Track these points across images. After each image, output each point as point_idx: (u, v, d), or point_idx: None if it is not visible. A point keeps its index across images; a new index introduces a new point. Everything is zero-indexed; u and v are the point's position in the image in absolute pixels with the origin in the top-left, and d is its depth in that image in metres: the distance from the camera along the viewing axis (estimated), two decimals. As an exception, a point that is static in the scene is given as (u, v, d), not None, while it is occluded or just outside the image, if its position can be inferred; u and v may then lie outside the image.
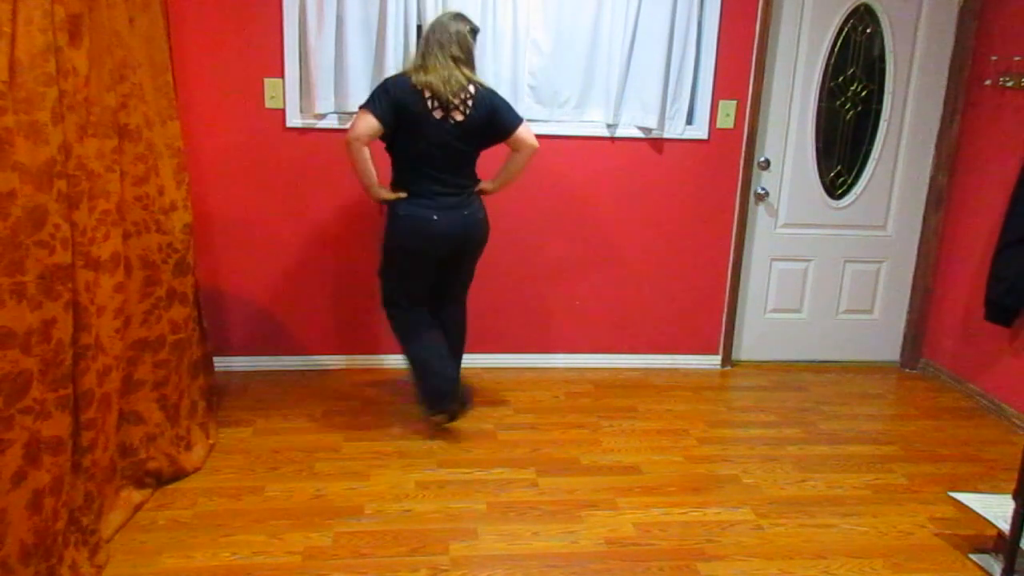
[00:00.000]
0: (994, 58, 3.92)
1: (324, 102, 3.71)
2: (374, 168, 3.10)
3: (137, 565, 2.50)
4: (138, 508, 2.77)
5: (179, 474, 2.98)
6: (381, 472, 3.12)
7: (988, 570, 2.65)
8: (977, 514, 2.66)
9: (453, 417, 3.45)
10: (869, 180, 4.26)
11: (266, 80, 3.70)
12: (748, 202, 4.16)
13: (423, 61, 3.06)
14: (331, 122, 3.78)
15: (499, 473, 3.15)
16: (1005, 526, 2.50)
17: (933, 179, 4.27)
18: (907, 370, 4.48)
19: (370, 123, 3.01)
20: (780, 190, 4.23)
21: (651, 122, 3.91)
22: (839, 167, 4.25)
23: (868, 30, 4.08)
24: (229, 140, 3.75)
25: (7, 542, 2.04)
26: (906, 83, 4.15)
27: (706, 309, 4.30)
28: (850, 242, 4.34)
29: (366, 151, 3.05)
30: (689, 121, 4.02)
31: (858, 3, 4.02)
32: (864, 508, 3.02)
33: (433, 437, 3.42)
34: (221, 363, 3.90)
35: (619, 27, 3.79)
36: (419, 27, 3.68)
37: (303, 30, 3.63)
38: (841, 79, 4.12)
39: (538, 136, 3.84)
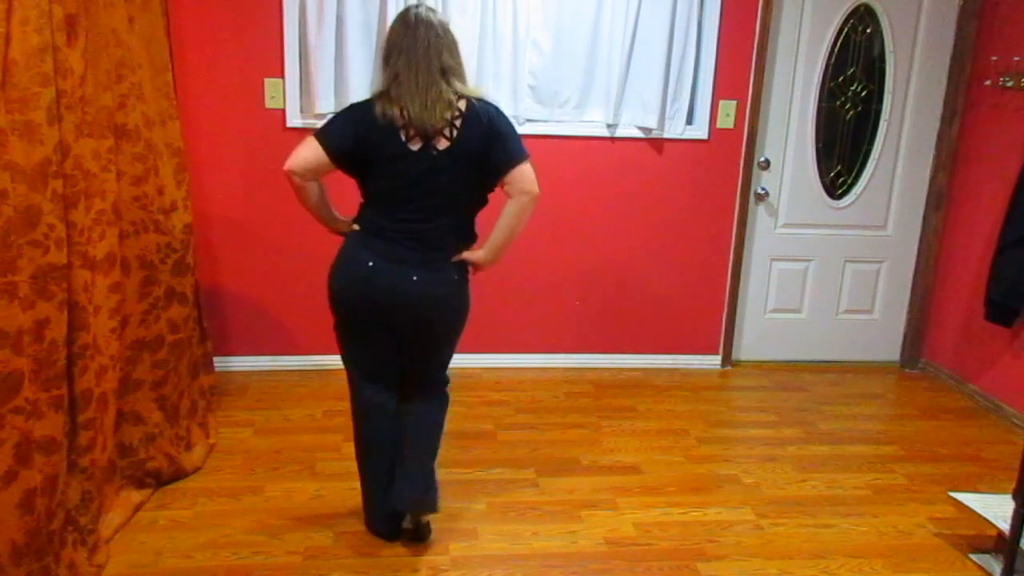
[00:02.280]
0: (994, 58, 3.91)
1: (324, 102, 3.70)
2: (323, 200, 2.49)
3: (137, 565, 2.50)
4: (138, 508, 2.77)
5: (179, 474, 2.98)
6: (380, 472, 3.11)
7: (988, 570, 2.65)
8: (977, 514, 2.66)
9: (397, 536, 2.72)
10: (869, 180, 4.26)
11: (266, 80, 3.70)
12: (748, 202, 4.15)
13: (395, 78, 2.28)
14: (331, 122, 3.77)
15: (499, 473, 3.15)
16: (1005, 526, 2.50)
17: (933, 179, 4.27)
18: (907, 370, 4.48)
19: (313, 154, 2.32)
20: (780, 190, 4.22)
21: (651, 122, 3.91)
22: (839, 167, 4.24)
23: (868, 30, 4.08)
24: (229, 140, 3.75)
25: None
26: (906, 83, 4.15)
27: (706, 309, 4.30)
28: (850, 242, 4.34)
29: (311, 188, 2.40)
30: (689, 121, 4.02)
31: (858, 3, 4.02)
32: (864, 508, 3.02)
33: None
34: (221, 363, 3.90)
35: (619, 27, 3.78)
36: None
37: (303, 30, 3.63)
38: (841, 79, 4.12)
39: (538, 136, 3.83)
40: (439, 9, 3.62)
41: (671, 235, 4.15)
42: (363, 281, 2.40)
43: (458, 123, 2.30)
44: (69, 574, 2.27)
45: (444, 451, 3.27)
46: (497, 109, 2.40)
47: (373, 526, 2.70)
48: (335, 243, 3.91)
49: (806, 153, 4.18)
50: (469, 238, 2.49)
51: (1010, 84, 3.81)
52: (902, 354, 4.52)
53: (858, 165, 4.25)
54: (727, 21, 3.89)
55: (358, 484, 2.99)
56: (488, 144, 2.34)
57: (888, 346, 4.52)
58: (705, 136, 4.01)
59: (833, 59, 4.08)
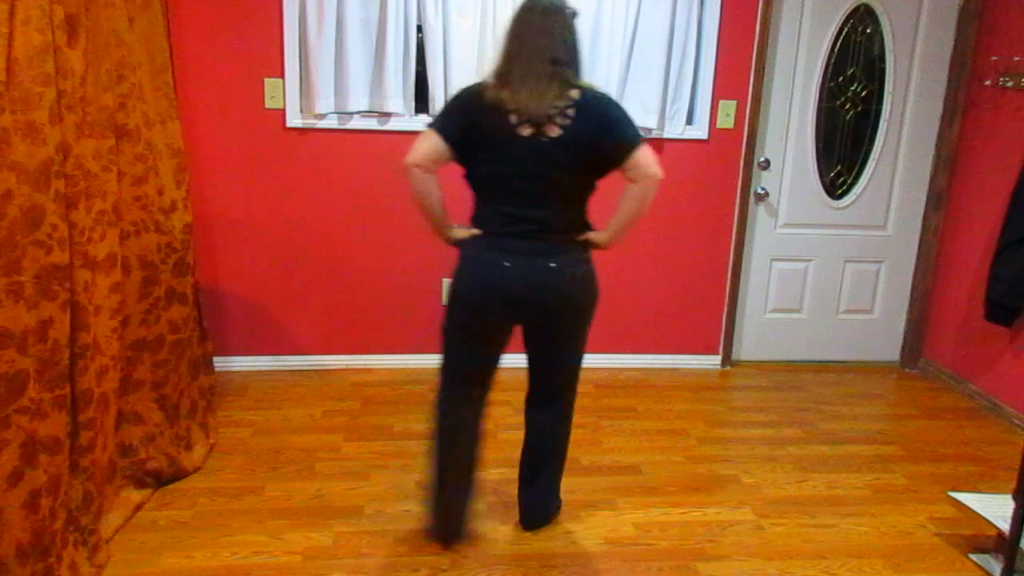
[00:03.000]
0: (994, 58, 3.91)
1: (324, 102, 3.70)
2: (441, 201, 2.45)
3: (137, 565, 2.50)
4: (138, 508, 2.77)
5: (179, 474, 2.98)
6: (381, 472, 3.11)
7: (988, 570, 2.65)
8: (977, 514, 2.66)
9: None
10: (869, 180, 4.26)
11: (266, 80, 3.70)
12: (748, 202, 4.15)
13: (508, 67, 2.29)
14: (331, 122, 3.78)
15: (499, 473, 3.15)
16: (1005, 526, 2.50)
17: (933, 179, 4.27)
18: (907, 370, 4.48)
19: (433, 145, 2.31)
20: (780, 190, 4.22)
21: (651, 122, 3.91)
22: (839, 167, 4.25)
23: (868, 30, 4.08)
24: (229, 140, 3.75)
25: (3, 542, 2.04)
26: (906, 83, 4.15)
27: (706, 309, 4.30)
28: (850, 242, 4.34)
29: (430, 180, 2.37)
30: (689, 121, 4.02)
31: (858, 3, 4.02)
32: (864, 508, 3.02)
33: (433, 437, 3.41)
34: (221, 363, 3.90)
35: (619, 27, 3.78)
36: (419, 27, 3.68)
37: (303, 30, 3.63)
38: (841, 79, 4.12)
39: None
40: (439, 9, 3.63)
41: (671, 235, 4.15)
42: (504, 283, 2.38)
43: (571, 112, 2.27)
44: (70, 574, 2.27)
45: (444, 451, 3.29)
46: (610, 98, 2.39)
47: (437, 531, 2.67)
48: (335, 243, 3.94)
49: (806, 153, 4.18)
50: (586, 224, 2.48)
51: (1010, 84, 3.81)
52: (902, 354, 4.52)
53: (858, 165, 4.25)
54: (727, 21, 3.89)
55: (358, 484, 3.01)
56: (603, 133, 2.30)
57: (888, 346, 4.53)
58: (705, 136, 4.01)
59: (833, 59, 4.08)
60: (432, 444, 2.62)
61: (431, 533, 2.68)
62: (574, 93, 2.29)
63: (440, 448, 2.60)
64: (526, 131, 2.27)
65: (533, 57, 2.26)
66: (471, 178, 2.44)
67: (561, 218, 2.39)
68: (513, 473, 3.14)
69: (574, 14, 2.34)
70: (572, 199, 2.41)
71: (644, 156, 2.31)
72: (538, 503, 2.77)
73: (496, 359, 2.59)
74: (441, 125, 2.33)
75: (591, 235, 2.48)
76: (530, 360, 2.63)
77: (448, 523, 2.66)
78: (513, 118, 2.26)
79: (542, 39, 2.27)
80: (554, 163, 2.30)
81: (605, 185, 2.44)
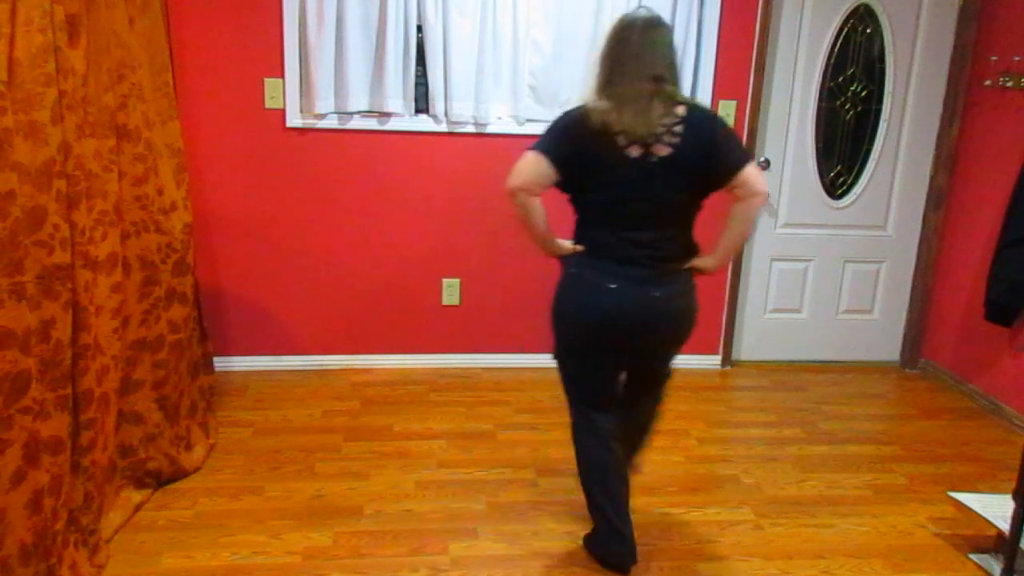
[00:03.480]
0: (994, 58, 3.92)
1: (324, 102, 3.70)
2: (545, 220, 2.39)
3: (137, 565, 2.50)
4: (138, 508, 2.77)
5: (179, 474, 2.98)
6: (381, 472, 3.12)
7: (988, 570, 2.65)
8: (977, 514, 2.66)
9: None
10: (869, 180, 4.26)
11: (266, 80, 3.70)
12: (748, 202, 4.15)
13: (610, 86, 2.25)
14: (331, 122, 3.78)
15: (499, 473, 3.15)
16: (1005, 526, 2.50)
17: (933, 179, 4.27)
18: (907, 370, 4.48)
19: (538, 168, 2.26)
20: (780, 190, 4.22)
21: (651, 122, 3.90)
22: (839, 167, 4.25)
23: (868, 30, 4.08)
24: (229, 140, 3.75)
25: (6, 542, 2.04)
26: (906, 83, 4.15)
27: (706, 309, 4.25)
28: (850, 242, 4.34)
29: (535, 202, 2.32)
30: (689, 121, 4.01)
31: (858, 3, 4.02)
32: (864, 508, 3.02)
33: (433, 437, 3.42)
34: (221, 363, 3.90)
35: (619, 27, 3.78)
36: (419, 27, 3.68)
37: (303, 30, 3.63)
38: (841, 79, 4.12)
39: (538, 136, 3.85)
40: (439, 9, 3.63)
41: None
42: (607, 306, 2.33)
43: (678, 129, 2.22)
44: (71, 574, 2.27)
45: (444, 451, 3.29)
46: (715, 113, 2.36)
47: (611, 552, 2.58)
48: (335, 242, 3.94)
49: (806, 153, 4.18)
50: (694, 247, 2.42)
51: (1010, 84, 3.81)
52: (902, 354, 4.52)
53: (858, 165, 4.25)
54: (727, 21, 3.89)
55: (358, 484, 3.01)
56: (712, 151, 2.25)
57: (888, 346, 4.53)
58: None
59: (833, 59, 4.08)
60: (585, 476, 2.57)
61: (611, 560, 2.59)
62: (680, 110, 2.24)
63: (585, 466, 2.56)
64: (635, 152, 2.22)
65: (634, 76, 2.22)
66: (577, 202, 2.40)
67: (669, 241, 2.34)
68: (514, 474, 3.15)
69: (671, 29, 2.33)
70: (679, 220, 2.36)
71: (753, 173, 2.26)
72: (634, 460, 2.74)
73: (612, 383, 2.54)
74: (546, 147, 2.27)
75: (698, 262, 2.43)
76: (634, 371, 2.58)
77: (625, 545, 2.56)
78: (621, 139, 2.21)
79: (644, 56, 2.23)
80: (664, 183, 2.25)
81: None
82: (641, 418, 2.67)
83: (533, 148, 2.28)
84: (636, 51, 2.23)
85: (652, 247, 2.31)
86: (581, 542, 2.70)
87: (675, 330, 2.44)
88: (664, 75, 2.24)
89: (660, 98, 2.22)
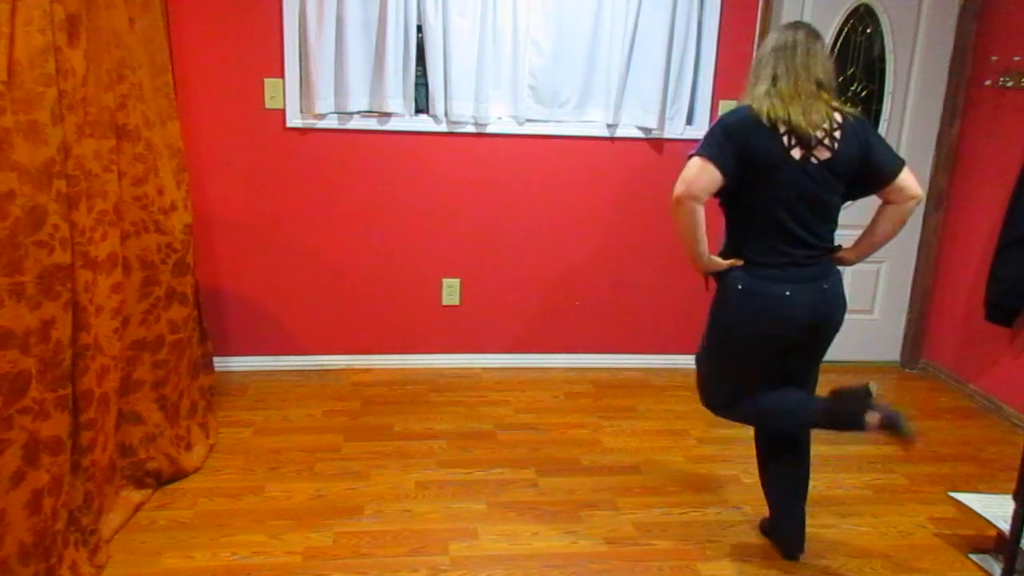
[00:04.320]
0: (994, 58, 3.91)
1: (324, 102, 3.70)
2: (705, 231, 2.38)
3: (137, 565, 2.50)
4: (138, 508, 2.77)
5: (179, 474, 2.98)
6: (381, 472, 3.12)
7: (988, 570, 2.65)
8: (977, 514, 2.66)
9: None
10: (869, 180, 4.26)
11: (266, 80, 3.70)
12: (748, 202, 4.15)
13: (774, 86, 2.31)
14: (331, 122, 3.78)
15: (499, 473, 3.15)
16: (1005, 526, 2.50)
17: (933, 179, 4.27)
18: (907, 370, 4.48)
19: (711, 176, 2.27)
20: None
21: (651, 122, 3.91)
22: (839, 167, 4.24)
23: (868, 30, 4.08)
24: (229, 140, 3.75)
25: (6, 542, 2.04)
26: (906, 83, 4.15)
27: (706, 309, 4.28)
28: (849, 242, 4.32)
29: (701, 212, 2.32)
30: (689, 121, 4.02)
31: (858, 3, 4.02)
32: (864, 508, 3.02)
33: (433, 437, 3.42)
34: (221, 363, 3.90)
35: (619, 27, 3.78)
36: (419, 27, 3.68)
37: (303, 30, 3.63)
38: (841, 79, 4.12)
39: (538, 136, 3.84)
40: (439, 9, 3.63)
41: (671, 235, 4.14)
42: (780, 313, 2.38)
43: (837, 134, 2.30)
44: (71, 574, 2.27)
45: (444, 451, 3.29)
46: (867, 121, 2.42)
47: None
48: (335, 242, 3.94)
49: (806, 153, 4.18)
50: (834, 239, 2.49)
51: (1010, 84, 3.81)
52: (902, 354, 4.52)
53: (858, 165, 4.24)
54: (727, 21, 3.89)
55: (358, 484, 3.02)
56: (867, 156, 2.35)
57: (888, 346, 4.52)
58: (705, 136, 4.01)
59: (833, 59, 4.07)
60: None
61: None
62: (838, 116, 2.32)
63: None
64: (798, 154, 2.28)
65: (799, 75, 2.29)
66: (733, 207, 2.43)
67: (823, 241, 2.42)
68: (514, 474, 3.15)
69: (824, 40, 2.40)
70: (832, 220, 2.44)
71: (910, 178, 2.37)
72: (799, 527, 2.69)
73: (771, 377, 2.56)
74: (717, 154, 2.28)
75: (843, 254, 2.51)
76: (782, 374, 2.56)
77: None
78: (786, 140, 2.27)
79: (808, 59, 2.31)
80: (825, 186, 2.33)
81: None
82: (803, 446, 2.66)
83: (698, 153, 2.29)
84: (802, 53, 2.31)
85: (812, 247, 2.38)
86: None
87: (841, 314, 2.50)
88: (824, 81, 2.32)
89: (821, 102, 2.29)
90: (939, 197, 4.25)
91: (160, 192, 2.89)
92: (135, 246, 2.77)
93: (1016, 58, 3.78)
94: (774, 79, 2.31)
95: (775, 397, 2.55)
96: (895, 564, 2.68)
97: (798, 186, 2.31)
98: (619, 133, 3.96)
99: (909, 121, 4.19)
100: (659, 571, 2.60)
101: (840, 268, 2.52)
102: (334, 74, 3.70)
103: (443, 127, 3.84)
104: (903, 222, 2.46)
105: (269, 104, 3.73)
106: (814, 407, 2.52)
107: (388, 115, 3.79)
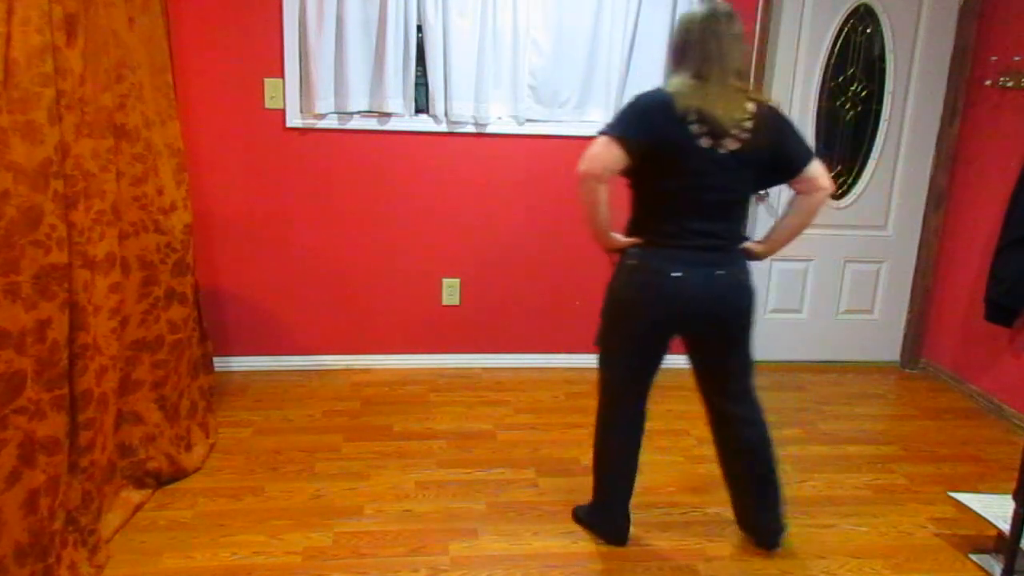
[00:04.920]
0: (994, 58, 3.91)
1: (324, 102, 3.70)
2: (608, 210, 2.37)
3: (137, 565, 2.50)
4: (138, 508, 2.77)
5: (179, 474, 2.98)
6: (381, 472, 3.11)
7: (988, 570, 2.65)
8: (977, 514, 2.66)
9: None
10: (869, 180, 4.26)
11: (266, 80, 3.70)
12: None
13: (696, 78, 2.26)
14: (331, 122, 3.78)
15: (499, 473, 3.15)
16: (1005, 526, 2.50)
17: (933, 179, 4.27)
18: (907, 370, 4.48)
19: (613, 154, 2.24)
20: (780, 190, 4.21)
21: (651, 122, 3.90)
22: (839, 167, 4.24)
23: (868, 30, 4.08)
24: (229, 140, 3.75)
25: (2, 542, 2.04)
26: (906, 83, 4.15)
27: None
28: (850, 242, 4.34)
29: (603, 191, 2.30)
30: (689, 121, 4.01)
31: (858, 3, 4.02)
32: (864, 508, 3.02)
33: (433, 437, 3.41)
34: (221, 363, 3.90)
35: (619, 27, 3.78)
36: (419, 27, 3.68)
37: (303, 30, 3.63)
38: (841, 79, 4.12)
39: (538, 136, 3.83)
40: (439, 9, 3.63)
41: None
42: (673, 294, 2.36)
43: (748, 124, 2.27)
44: (70, 575, 2.27)
45: (444, 451, 3.29)
46: (781, 111, 2.40)
47: (609, 529, 2.73)
48: (335, 242, 3.94)
49: (806, 153, 4.18)
50: (744, 231, 2.48)
51: (1010, 84, 3.81)
52: (902, 354, 4.52)
53: (858, 165, 4.25)
54: (727, 21, 3.89)
55: (358, 484, 3.01)
56: (779, 147, 2.34)
57: (888, 346, 4.52)
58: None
59: (833, 59, 4.08)
60: (601, 455, 2.69)
61: (606, 535, 2.73)
62: (751, 106, 2.29)
63: (610, 461, 2.68)
64: (706, 142, 2.25)
65: (726, 68, 2.26)
66: (639, 191, 2.40)
67: (728, 228, 2.40)
68: (514, 474, 3.15)
69: (739, 20, 2.33)
70: (740, 211, 2.42)
71: (818, 168, 2.36)
72: (774, 520, 2.68)
73: (652, 379, 2.58)
74: (622, 132, 2.25)
75: (750, 245, 2.49)
76: (701, 370, 2.60)
77: (620, 524, 2.71)
78: (696, 127, 2.24)
79: (733, 50, 2.27)
80: (731, 176, 2.30)
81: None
82: (746, 431, 2.61)
83: (604, 132, 2.27)
84: (726, 42, 2.26)
85: (714, 236, 2.35)
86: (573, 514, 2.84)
87: (741, 302, 2.45)
88: (742, 70, 2.32)
89: (740, 94, 2.28)
90: (939, 197, 4.25)
91: (160, 192, 2.89)
92: (134, 246, 2.77)
93: (1016, 58, 3.78)
94: (696, 71, 2.26)
95: (623, 446, 2.66)
96: (895, 564, 2.68)
97: (704, 174, 2.28)
98: (619, 133, 3.95)
99: (909, 121, 4.20)
100: (659, 571, 2.59)
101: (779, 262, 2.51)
102: (334, 74, 3.70)
103: (443, 127, 3.84)
104: (813, 214, 2.42)
105: (269, 104, 3.73)
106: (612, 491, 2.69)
107: (388, 115, 3.79)
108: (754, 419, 2.61)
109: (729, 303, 2.43)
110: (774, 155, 2.32)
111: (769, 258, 4.27)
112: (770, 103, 2.36)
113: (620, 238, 2.45)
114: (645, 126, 2.26)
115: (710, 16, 2.27)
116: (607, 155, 2.25)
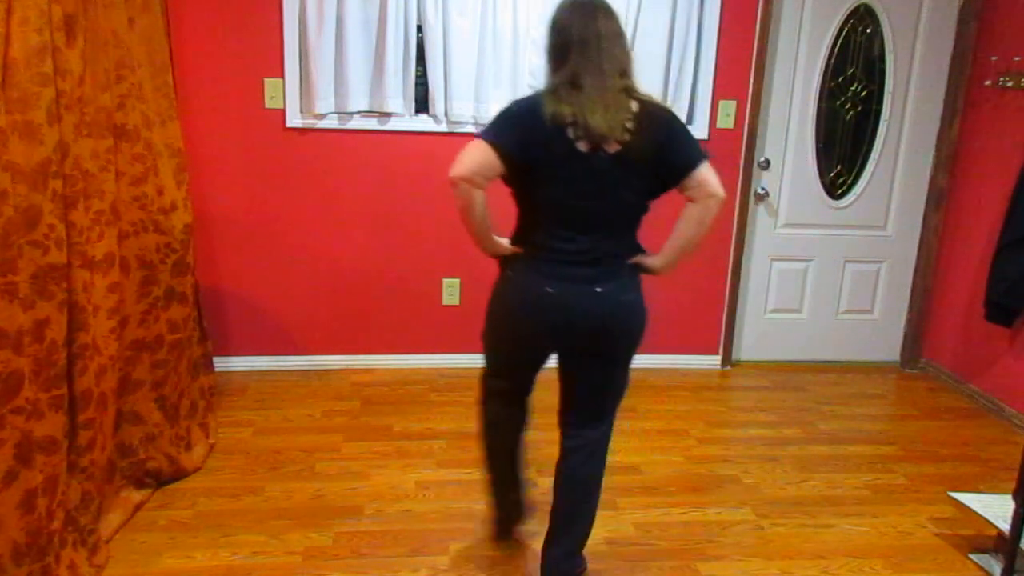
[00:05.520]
0: (994, 58, 3.91)
1: (324, 102, 3.70)
2: (487, 216, 2.21)
3: (137, 565, 2.50)
4: (138, 508, 2.77)
5: (179, 474, 2.98)
6: (381, 472, 3.11)
7: (988, 570, 2.65)
8: (977, 514, 2.66)
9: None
10: (869, 180, 4.26)
11: (266, 80, 3.70)
12: (748, 202, 4.15)
13: (577, 78, 2.07)
14: (331, 122, 3.78)
15: (498, 473, 3.15)
16: (1005, 526, 2.50)
17: (933, 179, 4.27)
18: (907, 370, 4.48)
19: (486, 158, 2.06)
20: (780, 190, 4.22)
21: (651, 122, 3.90)
22: (839, 167, 4.24)
23: (868, 30, 4.08)
24: (229, 140, 3.75)
25: None
26: (906, 83, 4.15)
27: (706, 309, 4.30)
28: (850, 242, 4.34)
29: (478, 195, 2.12)
30: (689, 121, 4.01)
31: (858, 3, 4.02)
32: (864, 508, 3.02)
33: (433, 437, 3.41)
34: (221, 363, 3.90)
35: (619, 27, 3.78)
36: (419, 27, 3.68)
37: (303, 30, 3.63)
38: (841, 79, 4.12)
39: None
40: (439, 9, 3.63)
41: (671, 235, 4.13)
42: (545, 310, 2.19)
43: (631, 126, 2.07)
44: (69, 574, 2.27)
45: (444, 451, 3.29)
46: (671, 111, 2.20)
47: (496, 518, 2.69)
48: (335, 242, 3.94)
49: (806, 153, 4.18)
50: (638, 247, 2.30)
51: (1010, 84, 3.81)
52: (902, 354, 4.52)
53: (858, 165, 4.25)
54: (727, 21, 3.89)
55: (357, 484, 3.01)
56: (666, 148, 2.12)
57: (888, 346, 4.52)
58: (705, 136, 4.01)
59: (833, 59, 4.08)
60: (481, 443, 2.58)
61: (493, 526, 2.71)
62: (634, 105, 2.11)
63: (484, 437, 2.56)
64: (584, 147, 2.07)
65: (604, 69, 2.08)
66: (520, 198, 2.25)
67: (613, 241, 2.21)
68: (513, 473, 3.15)
69: (621, 20, 2.18)
70: (625, 221, 2.24)
71: (708, 174, 2.14)
72: (565, 559, 2.44)
73: (532, 378, 2.48)
74: (495, 138, 2.08)
75: (642, 259, 2.29)
76: (565, 386, 2.41)
77: (502, 517, 2.67)
78: (571, 132, 2.06)
79: (612, 48, 2.10)
80: (613, 181, 2.11)
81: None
82: (574, 465, 2.41)
83: (481, 135, 2.09)
84: (602, 40, 2.08)
85: (593, 247, 2.17)
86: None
87: (624, 325, 2.28)
88: (627, 69, 2.14)
89: (624, 96, 2.10)
90: (939, 197, 4.25)
91: (160, 192, 2.89)
92: (134, 246, 2.76)
93: (1016, 58, 3.78)
94: (574, 76, 2.07)
95: (504, 437, 2.54)
96: (895, 564, 2.68)
97: (583, 181, 2.10)
98: (619, 133, 3.95)
99: (909, 121, 4.19)
100: (659, 571, 2.59)
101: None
102: (334, 74, 3.70)
103: (443, 127, 3.84)
104: (705, 224, 2.19)
105: (269, 104, 3.73)
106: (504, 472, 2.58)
107: (388, 115, 3.79)
108: (590, 449, 2.42)
109: (609, 323, 2.23)
110: (660, 158, 2.11)
111: (771, 258, 4.32)
112: (657, 102, 2.18)
113: (503, 244, 2.30)
114: (518, 132, 2.09)
115: (587, 13, 2.10)
116: (480, 159, 2.07)
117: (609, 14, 2.11)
